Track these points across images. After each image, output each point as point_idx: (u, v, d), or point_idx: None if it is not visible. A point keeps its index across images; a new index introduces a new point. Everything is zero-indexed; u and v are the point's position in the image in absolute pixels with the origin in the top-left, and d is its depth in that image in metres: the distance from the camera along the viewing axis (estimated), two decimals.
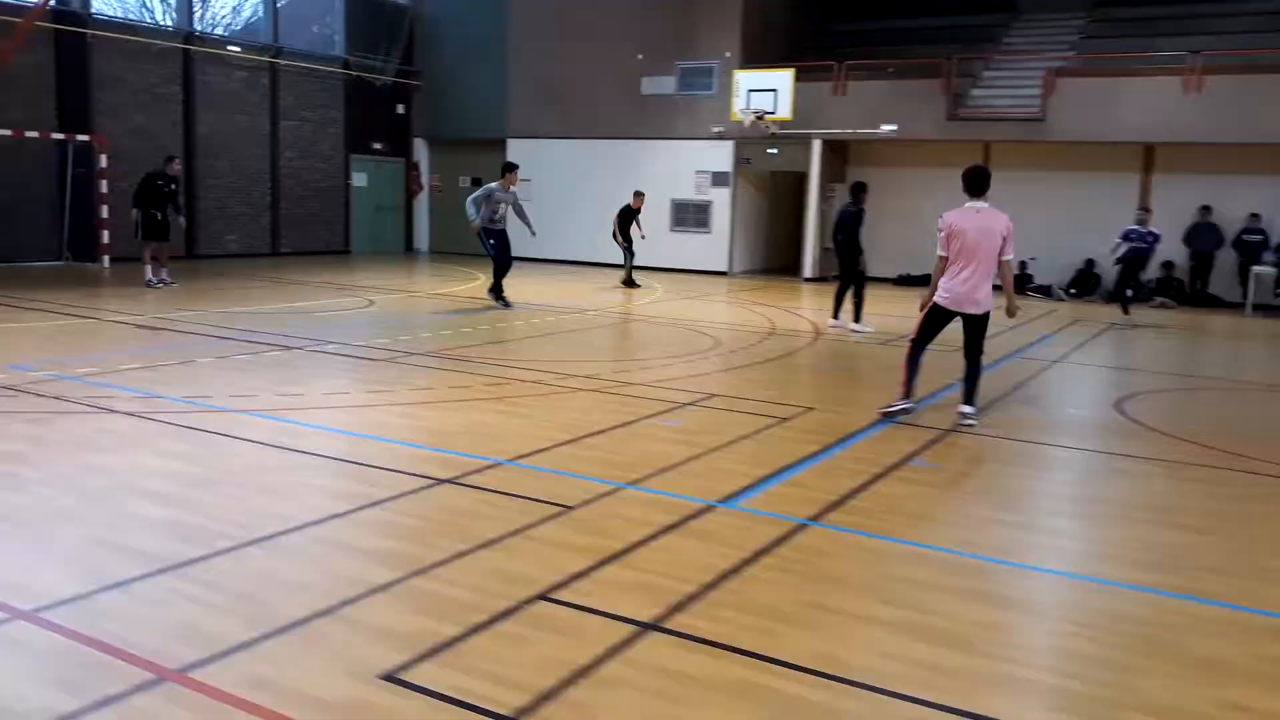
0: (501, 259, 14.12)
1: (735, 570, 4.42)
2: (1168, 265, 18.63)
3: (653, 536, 4.81)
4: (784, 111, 19.98)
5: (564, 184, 23.41)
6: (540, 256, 23.74)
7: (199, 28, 20.40)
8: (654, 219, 22.43)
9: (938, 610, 4.09)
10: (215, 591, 4.00)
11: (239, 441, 6.33)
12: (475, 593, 4.06)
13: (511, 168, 14.33)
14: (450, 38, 24.53)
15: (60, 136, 17.18)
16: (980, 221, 7.23)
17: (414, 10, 24.63)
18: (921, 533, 5.14)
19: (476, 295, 15.85)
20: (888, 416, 7.67)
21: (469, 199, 13.97)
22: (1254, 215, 18.18)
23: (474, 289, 16.86)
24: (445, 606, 3.91)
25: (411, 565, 4.32)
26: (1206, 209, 18.58)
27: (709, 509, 5.27)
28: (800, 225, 21.61)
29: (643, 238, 18.61)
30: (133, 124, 19.17)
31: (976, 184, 7.31)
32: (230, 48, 20.88)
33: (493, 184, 14.01)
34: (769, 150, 21.12)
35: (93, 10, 18.55)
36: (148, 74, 19.39)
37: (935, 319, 7.56)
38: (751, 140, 21.06)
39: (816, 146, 20.72)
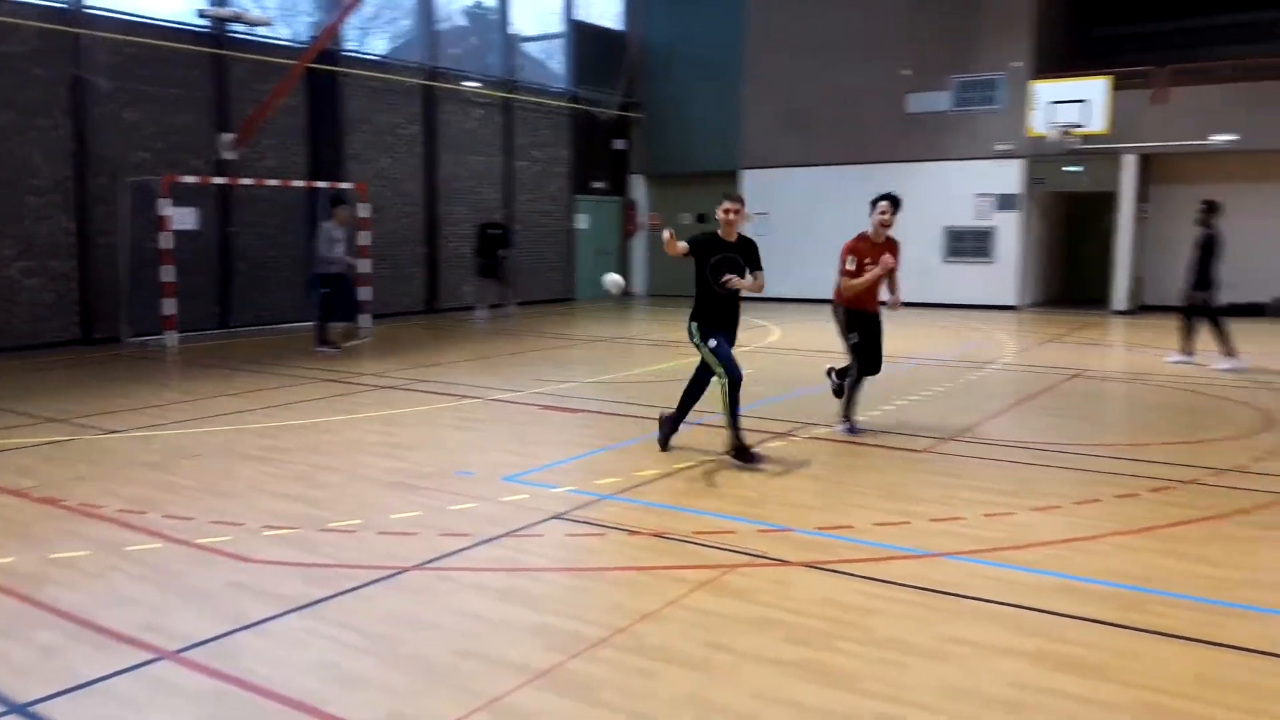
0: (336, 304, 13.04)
1: None
2: None
3: None
4: (1097, 124, 17.60)
5: (806, 215, 21.27)
6: (776, 296, 21.65)
7: (440, 63, 18.78)
8: (924, 249, 20.16)
9: None
10: None
11: (1097, 628, 4.14)
12: None
13: (340, 201, 13.16)
14: (676, 66, 22.61)
15: (324, 185, 15.52)
16: None
17: (638, 39, 22.85)
18: None
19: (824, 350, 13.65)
20: None
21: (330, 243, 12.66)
22: None
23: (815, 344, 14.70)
24: None
25: None
26: None
27: None
28: (1103, 251, 19.07)
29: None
30: (378, 168, 17.59)
31: None
32: (468, 83, 19.24)
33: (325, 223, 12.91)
34: (1066, 169, 18.70)
35: (343, 48, 17.01)
36: (392, 114, 17.81)
37: None
38: (1047, 158, 18.69)
39: (1130, 162, 18.23)
